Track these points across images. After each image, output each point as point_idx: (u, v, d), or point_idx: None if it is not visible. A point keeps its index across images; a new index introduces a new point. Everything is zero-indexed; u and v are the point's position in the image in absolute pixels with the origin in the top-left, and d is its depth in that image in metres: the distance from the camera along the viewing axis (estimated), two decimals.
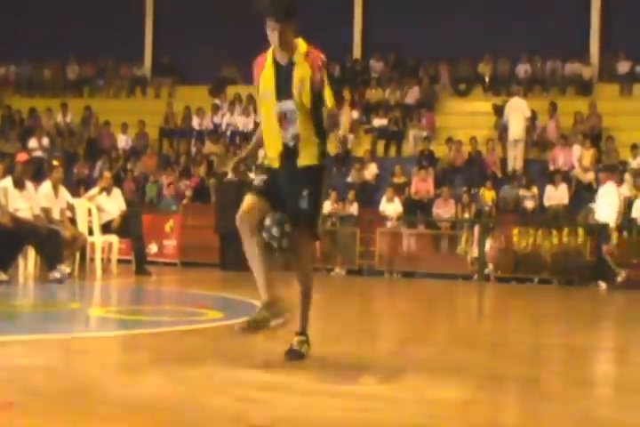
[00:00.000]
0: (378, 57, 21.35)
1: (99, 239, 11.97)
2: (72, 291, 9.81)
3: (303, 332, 4.84)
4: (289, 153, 4.78)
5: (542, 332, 7.35)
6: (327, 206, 15.55)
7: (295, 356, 4.73)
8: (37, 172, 13.87)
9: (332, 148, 4.87)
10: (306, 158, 4.76)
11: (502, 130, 18.41)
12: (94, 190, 12.67)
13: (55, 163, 12.12)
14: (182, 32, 21.99)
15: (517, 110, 17.66)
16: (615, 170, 14.94)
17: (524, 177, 16.51)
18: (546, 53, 20.01)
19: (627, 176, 16.22)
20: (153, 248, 15.79)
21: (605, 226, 14.02)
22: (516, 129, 17.66)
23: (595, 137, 17.73)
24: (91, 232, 11.90)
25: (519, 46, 19.82)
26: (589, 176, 16.63)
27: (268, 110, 4.83)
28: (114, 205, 12.43)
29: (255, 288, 4.73)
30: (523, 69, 20.23)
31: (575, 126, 18.25)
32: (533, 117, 18.18)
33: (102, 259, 12.05)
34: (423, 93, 20.18)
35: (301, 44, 4.74)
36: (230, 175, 16.27)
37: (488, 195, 16.38)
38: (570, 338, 6.91)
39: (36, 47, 22.50)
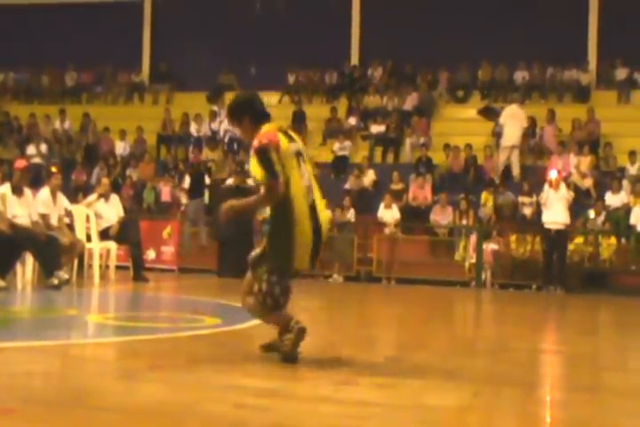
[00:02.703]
0: (376, 63, 21.39)
1: (97, 246, 11.96)
2: (70, 297, 9.79)
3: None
4: None
5: (540, 338, 7.35)
6: None
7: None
8: (35, 178, 13.88)
9: None
10: None
11: (497, 136, 18.41)
12: (92, 197, 12.67)
13: (53, 169, 12.14)
14: (180, 39, 22.03)
15: (514, 118, 17.66)
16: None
17: (526, 184, 16.44)
18: (544, 60, 20.05)
19: (625, 183, 16.25)
20: (151, 254, 15.77)
21: (565, 230, 14.04)
22: (512, 136, 17.62)
23: (593, 144, 17.74)
24: (89, 239, 11.90)
25: (517, 53, 19.87)
26: (587, 182, 16.63)
27: None
28: (112, 211, 12.42)
29: None
30: (521, 76, 20.27)
31: (573, 133, 18.27)
32: (533, 124, 18.21)
33: (100, 265, 12.03)
34: (421, 100, 20.21)
35: (259, 134, 4.84)
36: (229, 181, 16.30)
37: (489, 200, 16.33)
38: (567, 344, 6.91)
39: (35, 54, 22.53)
